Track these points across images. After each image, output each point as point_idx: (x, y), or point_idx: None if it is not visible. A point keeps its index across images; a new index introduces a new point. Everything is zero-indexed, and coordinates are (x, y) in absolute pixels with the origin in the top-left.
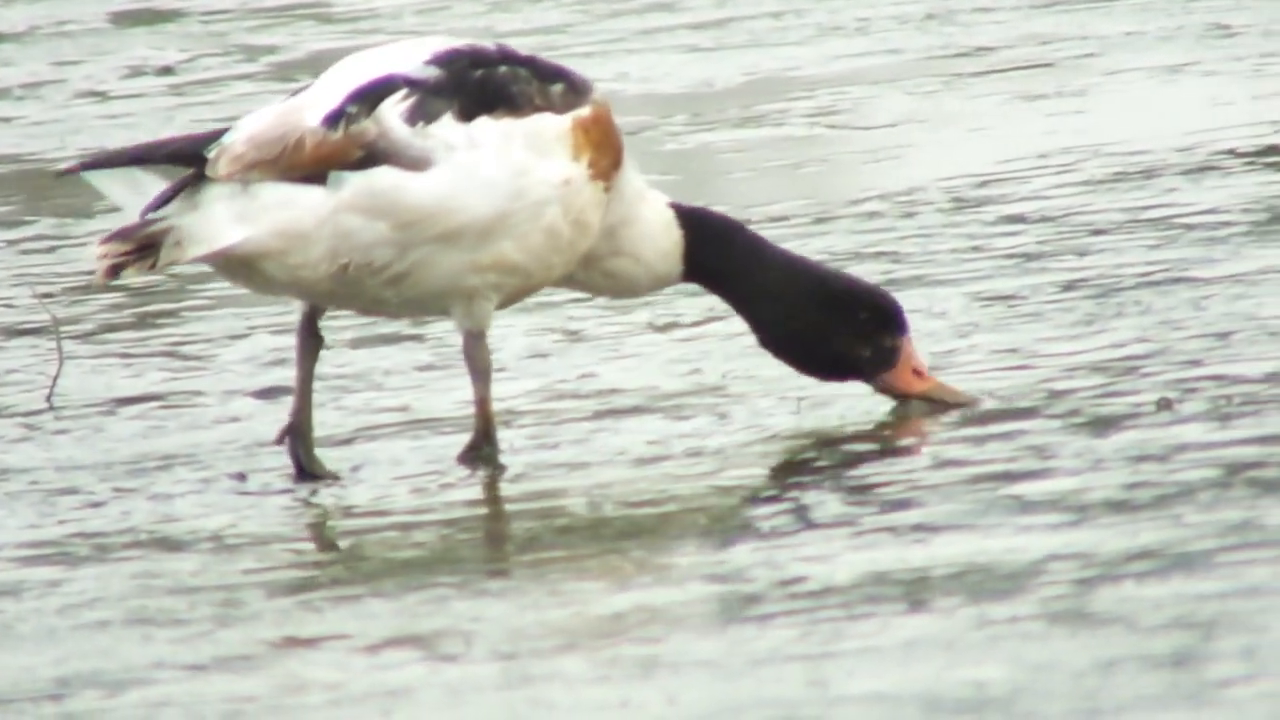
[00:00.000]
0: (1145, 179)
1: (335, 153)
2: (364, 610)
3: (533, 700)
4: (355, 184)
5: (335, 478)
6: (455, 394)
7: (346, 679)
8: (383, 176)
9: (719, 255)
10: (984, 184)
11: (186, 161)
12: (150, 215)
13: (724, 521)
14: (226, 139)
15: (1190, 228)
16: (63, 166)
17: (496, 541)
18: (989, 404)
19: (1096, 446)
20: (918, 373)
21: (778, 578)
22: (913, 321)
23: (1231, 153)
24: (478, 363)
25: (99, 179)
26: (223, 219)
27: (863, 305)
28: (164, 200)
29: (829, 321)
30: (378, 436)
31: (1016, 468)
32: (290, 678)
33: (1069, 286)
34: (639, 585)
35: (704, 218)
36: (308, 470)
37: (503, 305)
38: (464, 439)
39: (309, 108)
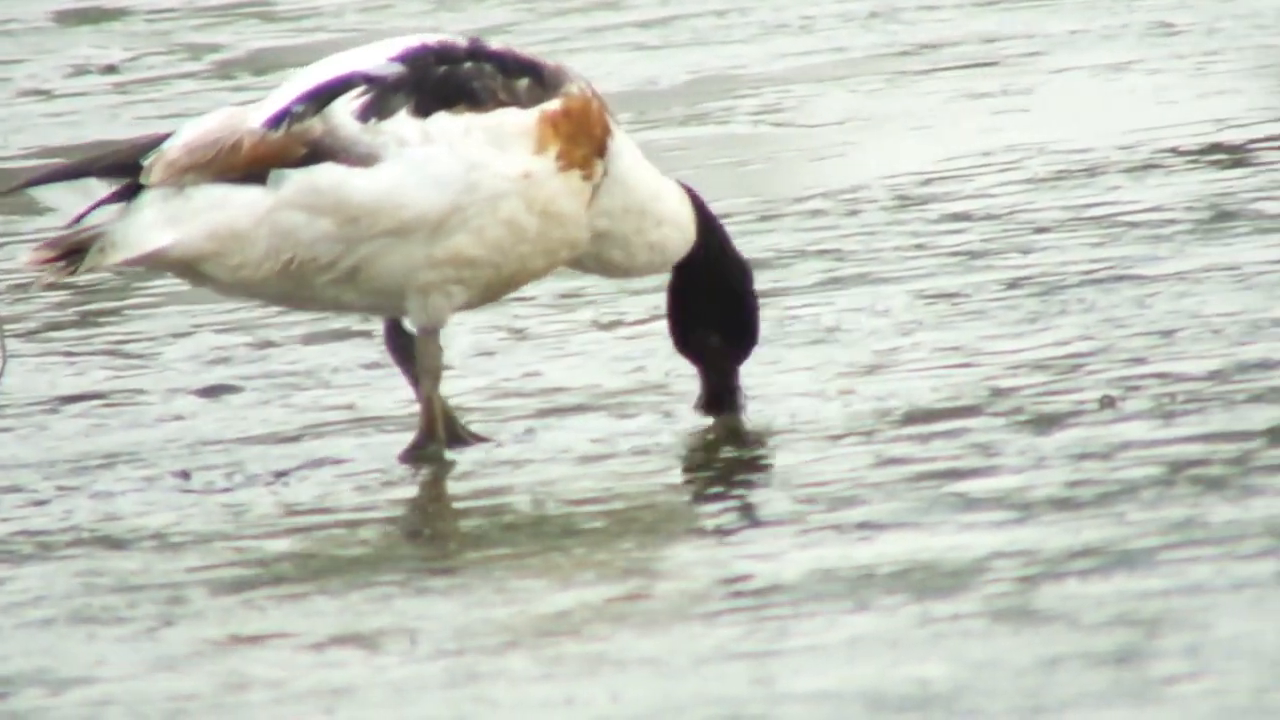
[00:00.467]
0: (1089, 177)
1: (276, 152)
2: (308, 608)
3: (477, 698)
4: (296, 181)
5: (490, 440)
6: (400, 392)
7: (290, 677)
8: (325, 173)
9: (709, 230)
10: (928, 182)
11: (124, 171)
12: (81, 222)
13: (669, 519)
14: (165, 145)
15: (1134, 226)
16: (5, 188)
17: (441, 539)
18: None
19: (1040, 444)
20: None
21: (722, 575)
22: (857, 319)
23: (1175, 151)
24: (427, 361)
25: (47, 194)
26: (152, 223)
27: (736, 320)
28: (93, 208)
29: (711, 316)
30: (324, 434)
31: (960, 465)
32: (234, 676)
33: (1013, 284)
34: (583, 583)
35: (690, 192)
36: (470, 440)
37: (480, 301)
38: (409, 438)
39: (256, 110)
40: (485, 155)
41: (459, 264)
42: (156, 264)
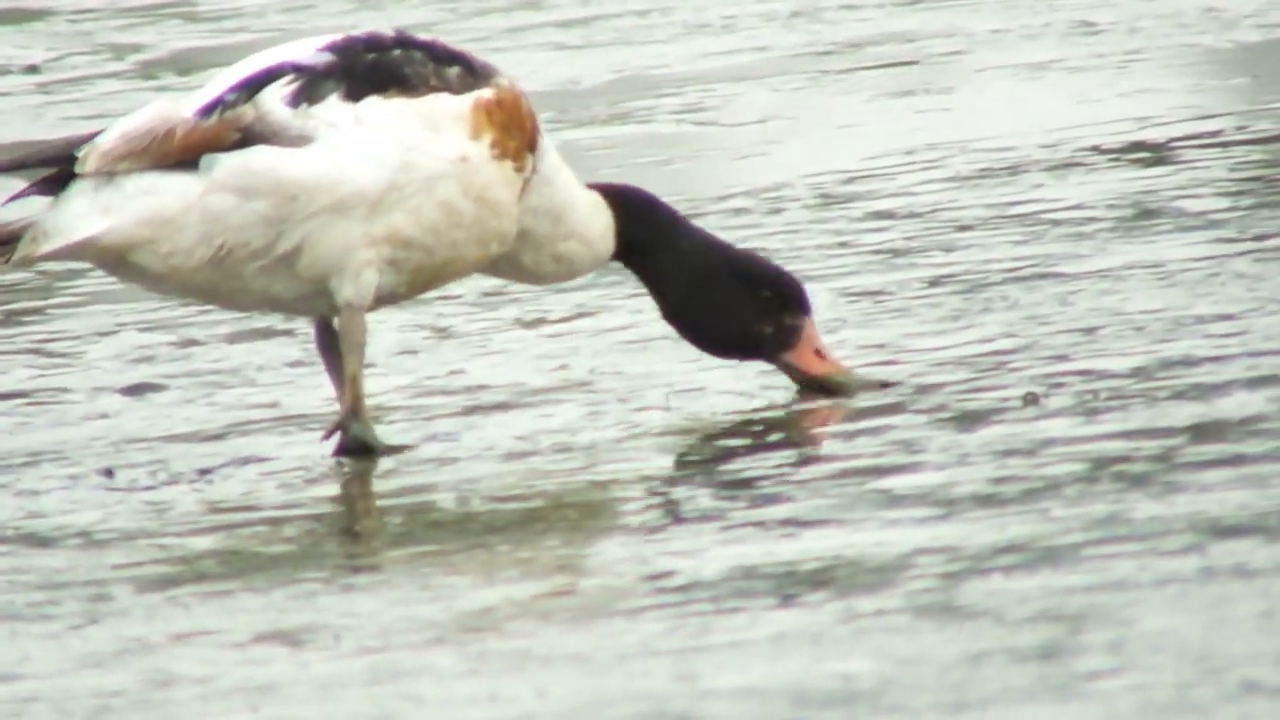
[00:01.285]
0: (1011, 175)
1: (208, 139)
2: (232, 605)
3: (402, 694)
4: (227, 164)
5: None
6: (324, 390)
7: (215, 674)
8: (258, 155)
9: (643, 231)
10: (851, 180)
11: (56, 164)
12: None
13: (592, 516)
14: (99, 138)
15: (1056, 223)
16: None
17: (365, 537)
18: (891, 390)
19: (963, 441)
20: (819, 354)
21: (646, 572)
22: None
23: (1096, 149)
24: (353, 335)
25: None
26: (83, 211)
27: (765, 283)
28: (17, 197)
29: (732, 297)
30: (248, 432)
31: (884, 462)
32: (159, 673)
33: (936, 282)
34: (507, 580)
35: (626, 195)
36: (379, 451)
37: (407, 289)
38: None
39: (189, 101)
40: (421, 137)
41: (395, 243)
42: (88, 253)
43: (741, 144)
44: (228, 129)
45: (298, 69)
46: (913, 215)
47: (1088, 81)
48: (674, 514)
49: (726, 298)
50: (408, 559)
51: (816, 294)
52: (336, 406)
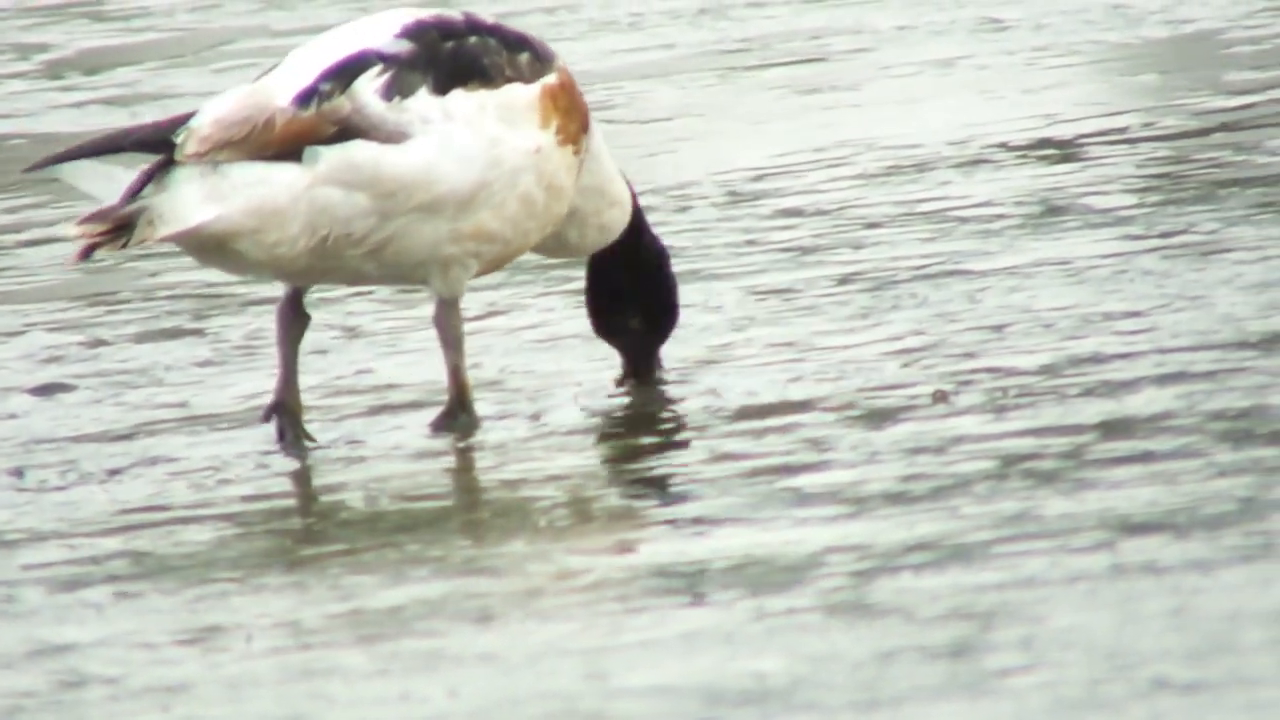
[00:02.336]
0: (919, 172)
1: (308, 130)
2: (143, 606)
3: (313, 694)
4: (331, 158)
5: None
6: (233, 389)
7: (126, 674)
8: (360, 149)
9: (638, 213)
10: (759, 178)
11: (153, 148)
12: (128, 197)
13: (502, 515)
14: (193, 122)
15: (964, 221)
16: (29, 165)
17: (275, 536)
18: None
19: (873, 439)
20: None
21: (556, 571)
22: (690, 316)
23: (1004, 146)
24: (450, 331)
25: (67, 173)
26: (193, 198)
27: (659, 304)
28: (141, 184)
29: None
30: (157, 432)
31: (793, 460)
32: (70, 674)
33: (844, 280)
34: (418, 579)
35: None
36: (295, 442)
37: (482, 273)
38: (241, 434)
39: (278, 88)
40: (502, 131)
41: (480, 238)
42: (193, 240)
43: (649, 142)
44: (325, 121)
45: (383, 58)
46: (821, 213)
47: (995, 78)
48: (583, 512)
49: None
50: (318, 558)
51: (725, 292)
52: (249, 405)
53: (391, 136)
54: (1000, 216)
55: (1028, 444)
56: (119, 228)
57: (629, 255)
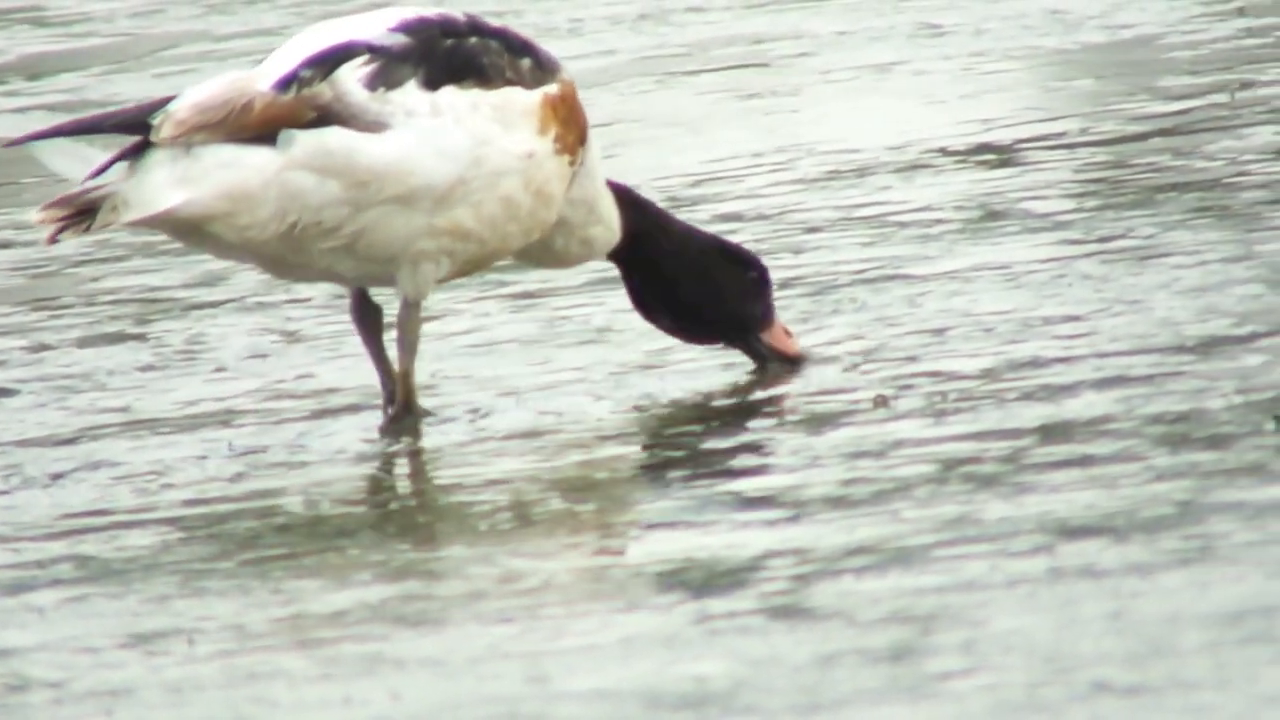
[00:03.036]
0: (858, 177)
1: (286, 114)
2: (86, 610)
3: (255, 698)
4: (305, 143)
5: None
6: (175, 394)
7: (69, 678)
8: (335, 136)
9: (641, 219)
10: (699, 183)
11: (132, 130)
12: (91, 181)
13: (442, 519)
14: (172, 106)
15: (904, 225)
16: (9, 139)
17: (217, 540)
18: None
19: (813, 443)
20: (787, 333)
21: (497, 574)
22: (628, 320)
23: (943, 151)
24: (409, 333)
25: (43, 151)
26: (163, 182)
27: (751, 264)
28: (106, 167)
29: (731, 280)
30: (100, 437)
31: (734, 464)
32: (13, 677)
33: (785, 284)
34: (359, 583)
35: (620, 189)
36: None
37: (458, 274)
38: (183, 439)
39: (261, 74)
40: (492, 132)
41: (455, 235)
42: (164, 224)
43: None
44: (305, 106)
45: (372, 49)
46: (761, 217)
47: (933, 83)
48: (523, 516)
49: (726, 281)
50: (260, 562)
51: None
52: (190, 411)
53: (370, 126)
54: (939, 221)
55: (967, 448)
56: (82, 211)
57: (690, 257)
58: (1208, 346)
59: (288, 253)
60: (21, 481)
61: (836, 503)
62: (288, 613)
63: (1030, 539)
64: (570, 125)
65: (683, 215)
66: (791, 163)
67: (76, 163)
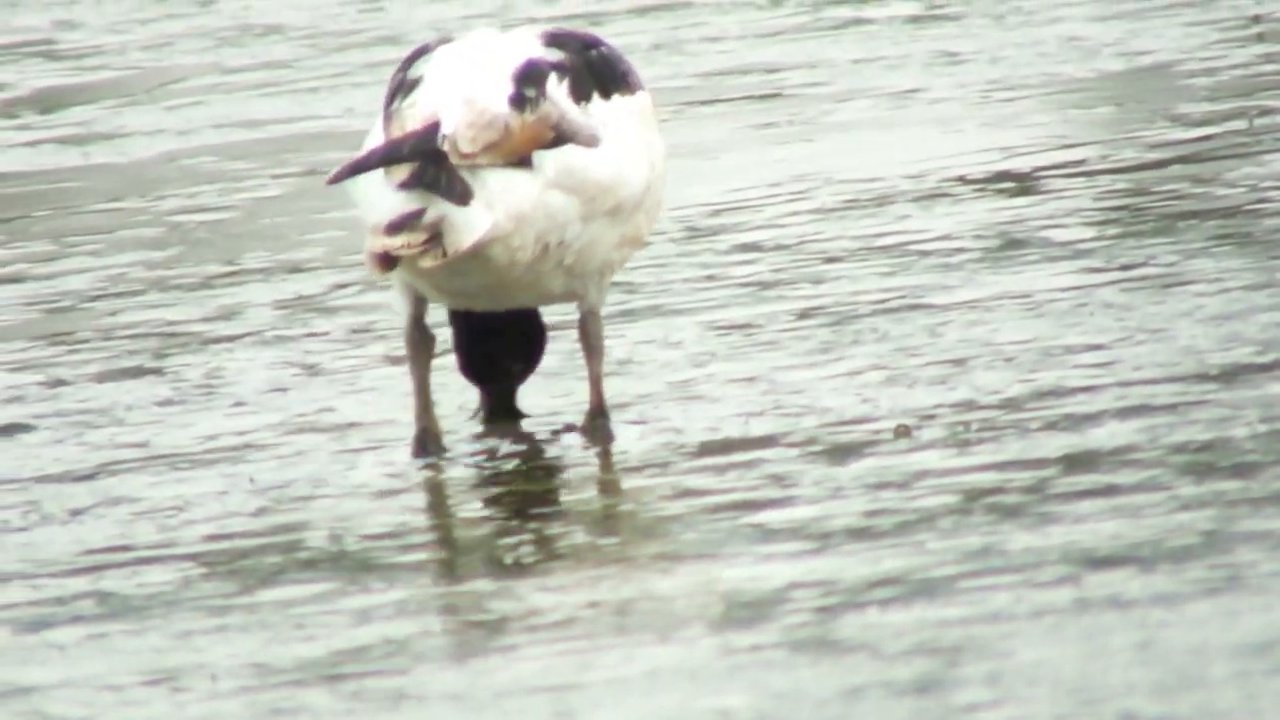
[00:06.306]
0: (877, 206)
1: (537, 135)
2: (108, 646)
3: None
4: (555, 163)
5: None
6: (194, 429)
7: (93, 715)
8: (573, 155)
9: None
10: (717, 213)
11: (426, 156)
12: (410, 208)
13: (465, 553)
14: (446, 129)
15: (924, 254)
16: (328, 178)
17: (239, 576)
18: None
19: (836, 474)
20: None
21: (522, 609)
22: (650, 351)
23: (962, 179)
24: (597, 339)
25: (357, 186)
26: (477, 205)
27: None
28: (419, 189)
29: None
30: (119, 472)
31: (757, 496)
32: (35, 715)
33: (805, 314)
34: (382, 617)
35: None
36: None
37: None
38: (204, 473)
39: (485, 94)
40: (649, 135)
41: (633, 244)
42: (476, 248)
43: None
44: (545, 126)
45: (554, 66)
46: (780, 247)
47: (951, 111)
48: (547, 550)
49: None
50: (283, 598)
51: (685, 328)
52: (209, 445)
53: (589, 141)
54: (960, 250)
55: (991, 478)
56: (433, 237)
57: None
58: (1231, 374)
59: (525, 274)
60: (40, 518)
61: (860, 534)
62: (311, 648)
63: (1055, 569)
64: None
65: (701, 246)
66: (810, 192)
67: (375, 194)
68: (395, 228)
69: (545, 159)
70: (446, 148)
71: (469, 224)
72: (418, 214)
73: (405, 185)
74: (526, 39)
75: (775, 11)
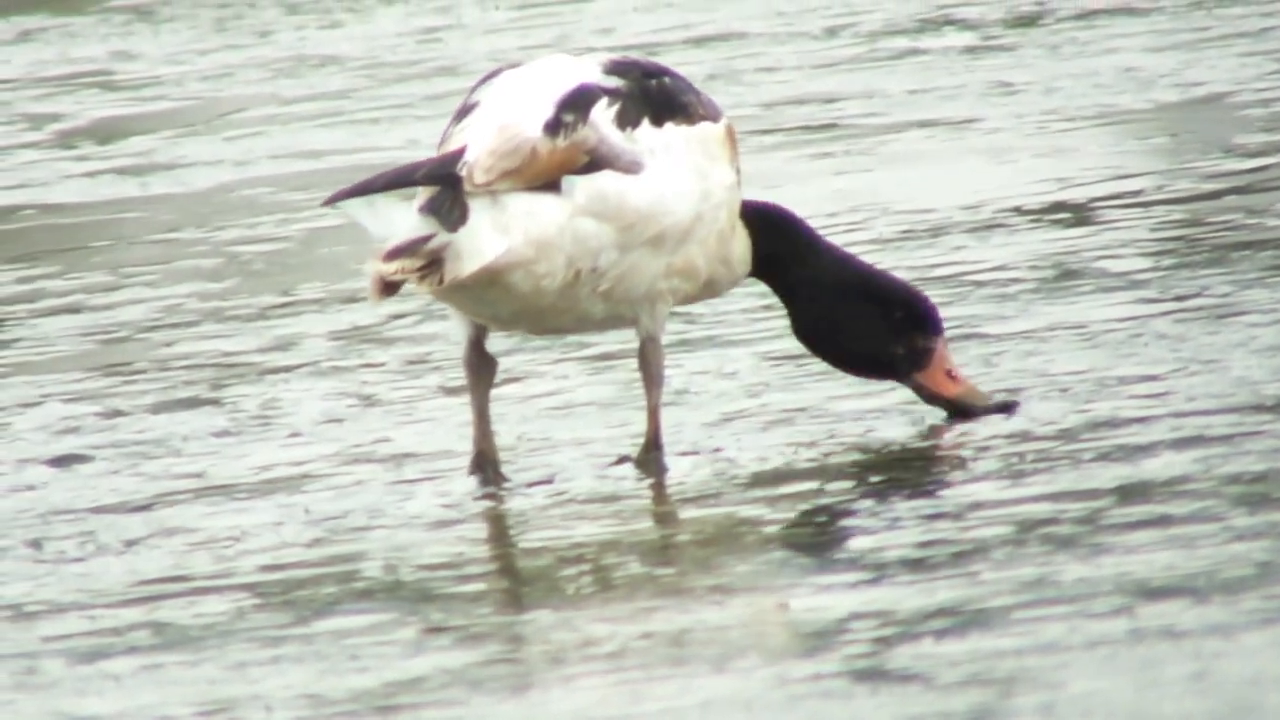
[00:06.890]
0: (933, 237)
1: (567, 160)
2: (163, 677)
3: None
4: (586, 189)
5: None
6: (250, 459)
7: None
8: (608, 180)
9: (779, 247)
10: None
11: (441, 181)
12: (418, 234)
13: (523, 583)
14: (469, 155)
15: (980, 284)
16: (325, 198)
17: (294, 606)
18: (1018, 410)
19: (892, 504)
20: (951, 376)
21: (578, 639)
22: (705, 382)
23: (1017, 210)
24: (655, 369)
25: (357, 208)
26: (486, 231)
27: (898, 304)
28: (429, 215)
29: (865, 318)
30: (175, 503)
31: (813, 526)
32: None
33: None
34: (439, 648)
35: (765, 212)
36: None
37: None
38: (259, 504)
39: (520, 119)
40: (706, 166)
41: (685, 273)
42: (486, 275)
43: None
44: (578, 151)
45: (607, 92)
46: None
47: (1006, 142)
48: (604, 580)
49: (860, 318)
50: (338, 628)
51: (740, 359)
52: (264, 476)
53: (630, 167)
54: (1015, 280)
55: (1045, 509)
56: (431, 263)
57: (824, 290)
58: None
59: (558, 300)
60: (96, 548)
61: (915, 565)
62: (366, 679)
63: (1109, 600)
64: (737, 155)
65: None
66: (866, 222)
67: (385, 219)
68: (395, 253)
69: (575, 184)
70: (464, 174)
71: (473, 251)
72: (424, 240)
73: (422, 210)
74: (589, 65)
75: (831, 42)
